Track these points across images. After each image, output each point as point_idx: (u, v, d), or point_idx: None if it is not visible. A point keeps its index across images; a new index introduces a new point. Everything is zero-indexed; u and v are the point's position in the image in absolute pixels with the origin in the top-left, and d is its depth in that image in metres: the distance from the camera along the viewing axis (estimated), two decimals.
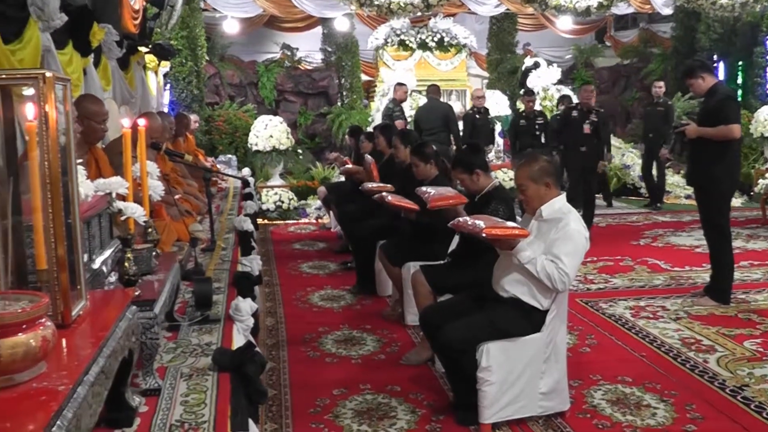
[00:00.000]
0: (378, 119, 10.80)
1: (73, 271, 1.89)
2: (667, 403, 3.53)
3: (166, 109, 9.95)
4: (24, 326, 1.51)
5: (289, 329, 4.79)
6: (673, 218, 9.11)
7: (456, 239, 4.25)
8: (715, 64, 13.21)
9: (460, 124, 9.56)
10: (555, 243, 3.19)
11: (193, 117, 9.13)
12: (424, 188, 4.28)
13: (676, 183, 10.71)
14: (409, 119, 9.86)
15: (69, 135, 1.93)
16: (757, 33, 12.62)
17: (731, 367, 3.98)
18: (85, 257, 2.18)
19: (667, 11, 11.84)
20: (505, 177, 10.00)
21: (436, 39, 13.14)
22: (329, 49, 14.24)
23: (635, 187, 10.77)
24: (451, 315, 3.36)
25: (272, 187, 9.81)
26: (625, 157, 10.99)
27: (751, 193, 9.96)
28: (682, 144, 5.47)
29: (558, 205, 3.30)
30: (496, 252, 3.40)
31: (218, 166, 8.49)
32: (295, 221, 9.43)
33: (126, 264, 2.37)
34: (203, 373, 2.56)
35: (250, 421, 2.36)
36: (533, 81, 12.18)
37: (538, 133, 9.28)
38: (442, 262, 4.32)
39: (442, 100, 9.97)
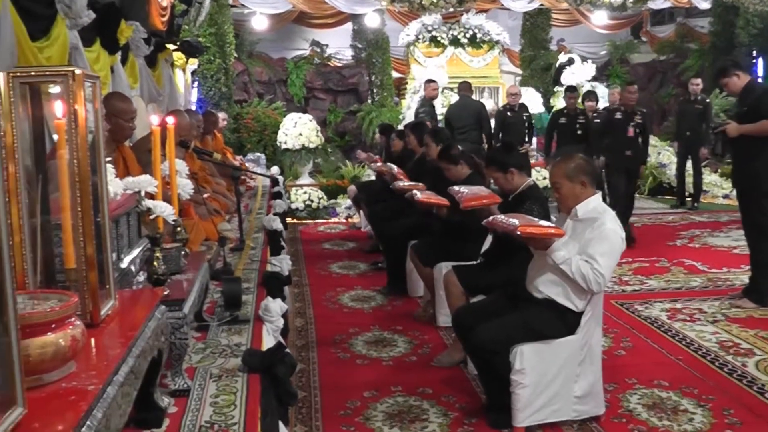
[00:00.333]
0: (409, 117, 10.74)
1: (102, 270, 1.88)
2: (704, 408, 3.46)
3: (193, 107, 10.02)
4: (53, 326, 1.51)
5: (319, 330, 4.76)
6: (711, 218, 8.93)
7: (489, 239, 4.19)
8: (753, 60, 12.91)
9: (492, 122, 9.41)
10: (590, 243, 3.13)
11: (221, 115, 9.16)
12: (456, 188, 4.22)
13: (713, 182, 10.49)
14: (440, 117, 9.76)
15: (98, 133, 1.92)
16: None
17: None
18: (114, 256, 2.17)
19: (705, 5, 11.61)
20: (538, 176, 9.85)
21: (468, 35, 13.04)
22: (359, 46, 14.21)
23: (671, 186, 10.56)
24: (484, 316, 3.31)
25: (301, 185, 9.81)
26: (661, 155, 10.79)
27: None
28: (724, 144, 5.32)
29: (593, 204, 3.25)
30: (530, 252, 3.35)
31: (247, 164, 8.51)
32: (325, 220, 9.42)
33: (155, 263, 2.36)
34: (233, 374, 2.55)
35: (280, 424, 2.33)
36: (567, 77, 12.03)
37: (579, 132, 8.77)
38: (474, 262, 4.26)
39: (474, 97, 9.86)
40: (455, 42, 13.04)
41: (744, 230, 5.34)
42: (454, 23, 13.26)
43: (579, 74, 12.01)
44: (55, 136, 1.75)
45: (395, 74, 14.38)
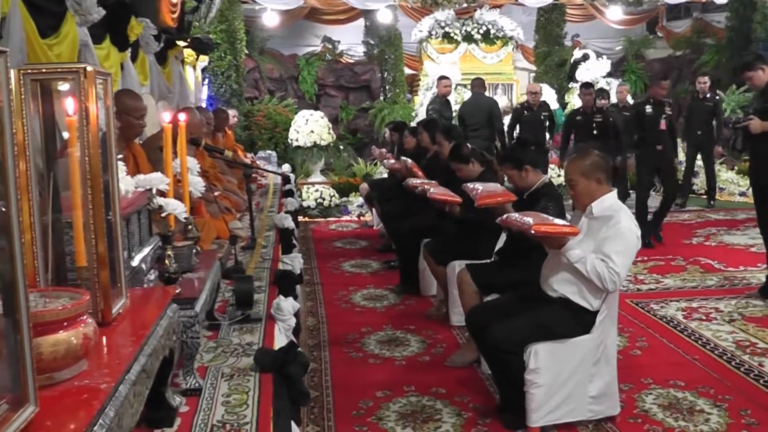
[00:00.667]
0: (422, 114, 10.69)
1: (113, 268, 1.87)
2: (720, 408, 3.42)
3: (204, 104, 10.01)
4: (65, 324, 1.51)
5: (331, 329, 4.75)
6: (727, 216, 8.85)
7: (503, 237, 4.15)
8: None
9: (507, 119, 9.34)
10: (605, 241, 3.10)
11: (232, 112, 9.15)
12: (471, 185, 4.19)
13: (730, 179, 10.39)
14: (453, 113, 9.70)
15: (110, 130, 1.91)
16: None
17: None
18: (125, 255, 2.16)
19: (722, 0, 11.46)
20: (552, 174, 9.77)
21: (481, 31, 12.98)
22: (371, 42, 14.18)
23: (688, 184, 10.46)
24: (498, 315, 3.28)
25: (313, 183, 9.79)
26: (678, 153, 10.69)
27: None
28: (744, 140, 5.19)
29: (609, 202, 3.21)
30: (545, 250, 3.31)
31: (258, 162, 8.50)
32: (337, 219, 9.40)
33: (166, 261, 2.35)
34: (245, 374, 2.53)
35: (293, 423, 2.31)
36: (582, 74, 11.95)
37: (595, 132, 8.41)
38: (488, 260, 4.23)
39: (487, 94, 9.78)
40: (468, 38, 12.99)
41: (760, 228, 5.28)
42: (467, 19, 13.20)
43: (594, 70, 11.93)
44: (66, 134, 1.73)
45: (408, 71, 14.33)
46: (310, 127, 9.58)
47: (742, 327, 4.59)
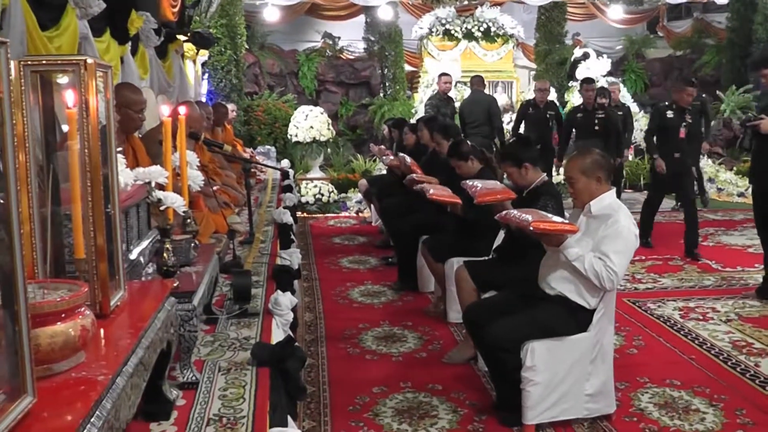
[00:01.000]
0: (422, 111, 10.68)
1: (112, 261, 1.87)
2: (716, 407, 3.43)
3: (203, 99, 9.99)
4: (63, 315, 1.51)
5: (329, 325, 4.75)
6: (725, 217, 8.86)
7: (501, 235, 4.16)
8: None
9: (507, 117, 9.28)
10: (604, 240, 3.10)
11: (231, 107, 9.13)
12: (470, 182, 4.19)
13: (728, 180, 10.39)
14: (455, 110, 9.67)
15: (110, 123, 1.91)
16: None
17: None
18: (123, 247, 2.16)
19: (723, 0, 11.46)
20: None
21: (482, 29, 12.97)
22: (372, 39, 14.16)
23: None
24: (496, 312, 3.28)
25: (312, 179, 9.79)
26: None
27: None
28: (752, 139, 5.11)
29: (608, 200, 3.22)
30: (543, 248, 3.32)
31: (257, 157, 8.50)
32: (335, 215, 9.40)
33: (165, 255, 2.34)
34: (242, 368, 2.53)
35: (289, 418, 2.31)
36: (582, 72, 11.93)
37: (597, 128, 8.09)
38: (486, 258, 4.23)
39: (486, 92, 9.76)
40: (469, 35, 12.98)
41: (758, 229, 5.29)
42: (468, 16, 13.18)
43: (594, 69, 11.91)
44: (65, 127, 1.73)
45: (408, 68, 14.32)
46: (309, 122, 9.56)
47: (738, 327, 4.60)
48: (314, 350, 4.25)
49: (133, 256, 2.43)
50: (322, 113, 9.86)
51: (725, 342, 4.33)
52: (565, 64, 13.48)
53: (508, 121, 10.81)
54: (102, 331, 1.74)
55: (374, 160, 10.79)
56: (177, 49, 7.69)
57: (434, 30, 13.00)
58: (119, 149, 2.19)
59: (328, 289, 5.67)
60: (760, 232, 5.28)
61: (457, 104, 9.87)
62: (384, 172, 8.63)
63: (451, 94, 9.71)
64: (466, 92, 10.63)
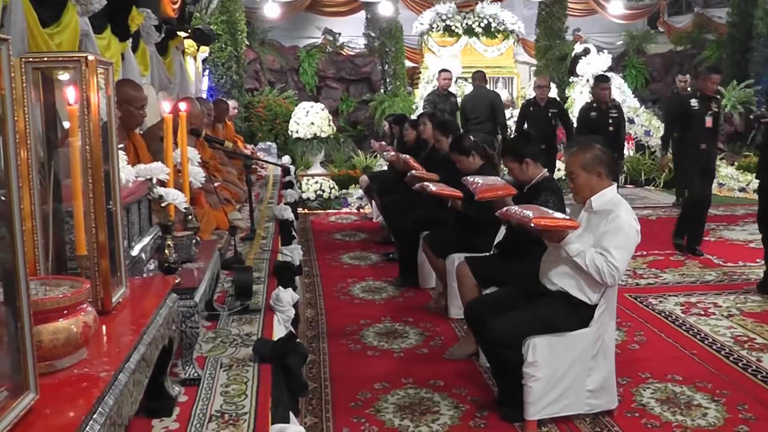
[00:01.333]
0: (422, 107, 10.66)
1: (114, 257, 1.88)
2: (718, 403, 3.43)
3: (204, 95, 9.98)
4: (65, 312, 1.51)
5: (330, 321, 4.75)
6: (726, 212, 8.84)
7: (503, 231, 4.15)
8: None
9: (509, 113, 9.20)
10: (605, 236, 3.10)
11: (231, 103, 9.12)
12: (471, 178, 4.19)
13: (729, 175, 10.37)
14: (456, 106, 9.64)
15: (111, 120, 1.91)
16: None
17: None
18: (125, 244, 2.16)
19: None
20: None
21: (482, 24, 12.95)
22: (372, 35, 14.14)
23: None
24: (497, 308, 3.28)
25: (313, 175, 9.79)
26: None
27: None
28: (765, 135, 5.03)
29: (609, 196, 3.21)
30: (544, 244, 3.31)
31: (258, 153, 8.49)
32: (336, 211, 9.40)
33: (166, 251, 2.34)
34: (244, 364, 2.53)
35: (291, 414, 2.31)
36: (583, 68, 11.90)
37: (611, 128, 7.77)
38: (487, 254, 4.23)
39: (487, 87, 9.71)
40: (469, 31, 12.95)
41: (759, 224, 5.29)
42: (468, 12, 13.16)
43: (594, 65, 11.88)
44: (66, 123, 1.73)
45: (408, 63, 14.29)
46: (310, 119, 9.56)
47: (740, 322, 4.60)
48: (316, 346, 4.25)
49: (134, 252, 2.43)
50: (322, 109, 9.86)
51: (727, 337, 4.33)
52: (565, 59, 13.44)
53: (509, 116, 10.77)
54: (104, 327, 1.74)
55: (375, 156, 10.78)
56: (178, 45, 7.68)
57: (435, 26, 12.98)
58: (120, 146, 2.19)
59: (330, 285, 5.67)
60: (761, 228, 5.27)
61: (458, 100, 9.84)
62: (385, 168, 8.63)
63: (452, 89, 9.68)
64: (467, 88, 10.60)
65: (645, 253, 6.46)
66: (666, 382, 3.67)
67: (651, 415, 3.31)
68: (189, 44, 8.57)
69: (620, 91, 10.98)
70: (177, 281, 2.21)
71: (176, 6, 7.26)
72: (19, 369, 1.32)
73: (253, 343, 2.65)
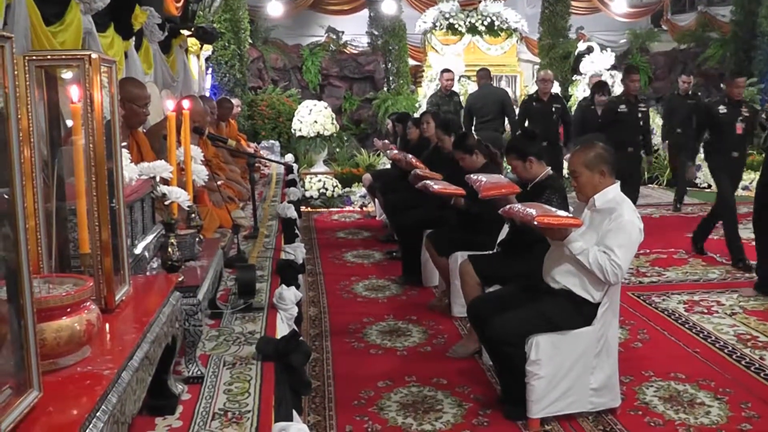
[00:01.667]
0: (425, 105, 10.64)
1: (117, 255, 1.88)
2: (721, 401, 3.43)
3: (207, 94, 9.98)
4: (68, 310, 1.52)
5: (333, 319, 4.75)
6: None
7: (506, 229, 4.15)
8: None
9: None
10: (608, 234, 3.10)
11: (235, 101, 9.12)
12: (474, 176, 4.19)
13: None
14: (461, 106, 9.61)
15: (114, 118, 1.91)
16: None
17: None
18: (128, 242, 2.16)
19: None
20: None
21: (486, 23, 12.92)
22: (376, 33, 14.11)
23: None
24: (500, 306, 3.28)
25: (316, 173, 9.78)
26: None
27: None
28: None
29: (612, 194, 3.21)
30: (547, 242, 3.31)
31: (261, 151, 8.49)
32: (339, 209, 9.39)
33: (169, 249, 2.34)
34: (247, 362, 2.54)
35: (294, 412, 2.32)
36: (586, 66, 11.87)
37: (642, 123, 7.11)
38: (490, 252, 4.23)
39: (494, 84, 9.64)
40: (473, 30, 12.92)
41: (756, 223, 5.32)
42: (471, 11, 13.13)
43: (598, 63, 11.85)
44: (70, 122, 1.74)
45: (412, 62, 14.26)
46: (313, 117, 9.55)
47: (743, 320, 4.60)
48: (319, 345, 4.25)
49: (137, 250, 2.44)
50: (326, 108, 9.84)
51: (730, 335, 4.32)
52: (569, 58, 13.42)
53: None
54: (107, 325, 1.74)
55: (378, 155, 10.77)
56: (181, 43, 7.68)
57: (438, 24, 12.95)
58: (124, 144, 2.20)
59: (333, 283, 5.67)
60: (756, 224, 5.26)
61: (462, 98, 9.80)
62: (388, 166, 8.62)
63: (455, 88, 9.65)
64: (470, 86, 10.58)
65: (648, 251, 6.45)
66: (669, 380, 3.67)
67: (654, 413, 3.31)
68: (192, 42, 8.56)
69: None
70: (180, 279, 2.22)
71: (179, 4, 7.25)
72: (23, 367, 1.33)
73: (256, 341, 2.65)
